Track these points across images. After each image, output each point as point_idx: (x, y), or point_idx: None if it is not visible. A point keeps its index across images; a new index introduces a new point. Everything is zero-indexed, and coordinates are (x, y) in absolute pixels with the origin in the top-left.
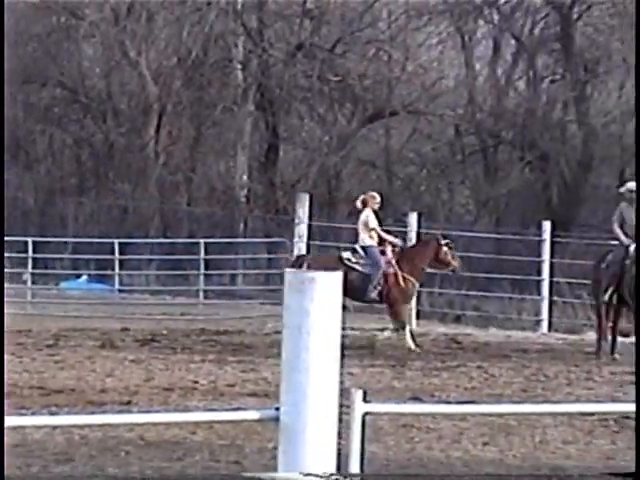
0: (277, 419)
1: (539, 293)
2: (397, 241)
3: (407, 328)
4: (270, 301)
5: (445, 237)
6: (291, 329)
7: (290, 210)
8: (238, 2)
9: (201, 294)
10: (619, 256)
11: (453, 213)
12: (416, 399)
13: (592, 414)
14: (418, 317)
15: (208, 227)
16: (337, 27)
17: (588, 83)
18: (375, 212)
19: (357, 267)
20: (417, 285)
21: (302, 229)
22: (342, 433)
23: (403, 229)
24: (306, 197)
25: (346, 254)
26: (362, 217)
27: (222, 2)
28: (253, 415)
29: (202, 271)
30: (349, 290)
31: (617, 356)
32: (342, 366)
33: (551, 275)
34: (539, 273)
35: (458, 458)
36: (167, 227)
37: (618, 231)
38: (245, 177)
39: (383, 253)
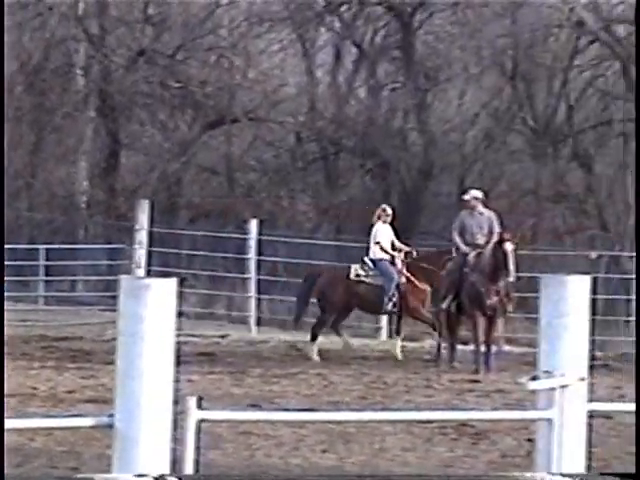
0: (112, 425)
1: None
2: (408, 249)
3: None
4: (110, 307)
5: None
6: (125, 335)
7: (131, 216)
8: (79, 7)
9: (41, 300)
10: (458, 264)
11: (294, 220)
12: (255, 406)
13: (431, 422)
14: (259, 324)
15: (48, 233)
16: (178, 33)
17: (429, 91)
18: (391, 224)
19: (368, 280)
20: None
21: (142, 235)
22: (180, 440)
23: (244, 236)
24: (146, 203)
25: (355, 268)
26: (373, 231)
27: (63, 7)
28: (88, 422)
29: (42, 277)
30: (364, 304)
31: (456, 364)
32: (181, 373)
33: None
34: None
35: (297, 465)
36: (7, 233)
37: (458, 239)
38: (86, 183)
39: (393, 264)
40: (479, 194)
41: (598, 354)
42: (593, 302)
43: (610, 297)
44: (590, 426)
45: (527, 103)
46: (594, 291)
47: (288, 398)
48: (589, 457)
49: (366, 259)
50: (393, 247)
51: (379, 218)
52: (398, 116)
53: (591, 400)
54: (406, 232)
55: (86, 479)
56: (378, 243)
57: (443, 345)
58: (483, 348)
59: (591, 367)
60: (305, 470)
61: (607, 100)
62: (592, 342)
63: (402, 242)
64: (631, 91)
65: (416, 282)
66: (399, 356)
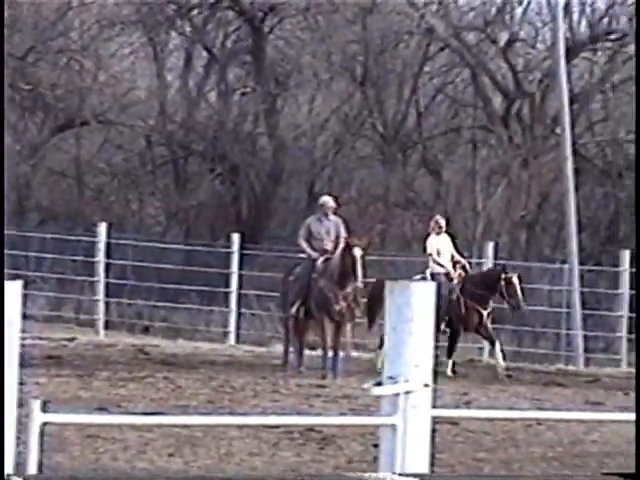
0: None
1: (227, 305)
2: (463, 262)
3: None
4: None
5: (509, 269)
6: None
7: None
8: None
9: None
10: (307, 269)
11: (143, 224)
12: (102, 409)
13: (278, 426)
14: (107, 327)
15: None
16: (29, 35)
17: (279, 96)
18: (450, 235)
19: None
20: (483, 311)
21: None
22: (24, 443)
23: (92, 239)
24: None
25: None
26: (426, 244)
27: None
28: None
29: None
30: None
31: (303, 369)
32: (28, 375)
33: (240, 287)
34: (228, 285)
35: (143, 469)
36: None
37: (305, 245)
38: None
39: (449, 279)
40: (332, 202)
41: (444, 360)
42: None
43: None
44: (435, 432)
45: (377, 109)
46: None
47: (135, 402)
48: (433, 462)
49: (427, 274)
50: (452, 259)
51: (433, 230)
52: (248, 120)
53: (437, 406)
54: (255, 237)
55: None
56: (430, 255)
57: (291, 350)
58: (331, 353)
59: (438, 373)
60: (151, 474)
61: (456, 107)
62: (438, 348)
63: (459, 254)
64: (480, 98)
65: (467, 302)
66: (449, 373)
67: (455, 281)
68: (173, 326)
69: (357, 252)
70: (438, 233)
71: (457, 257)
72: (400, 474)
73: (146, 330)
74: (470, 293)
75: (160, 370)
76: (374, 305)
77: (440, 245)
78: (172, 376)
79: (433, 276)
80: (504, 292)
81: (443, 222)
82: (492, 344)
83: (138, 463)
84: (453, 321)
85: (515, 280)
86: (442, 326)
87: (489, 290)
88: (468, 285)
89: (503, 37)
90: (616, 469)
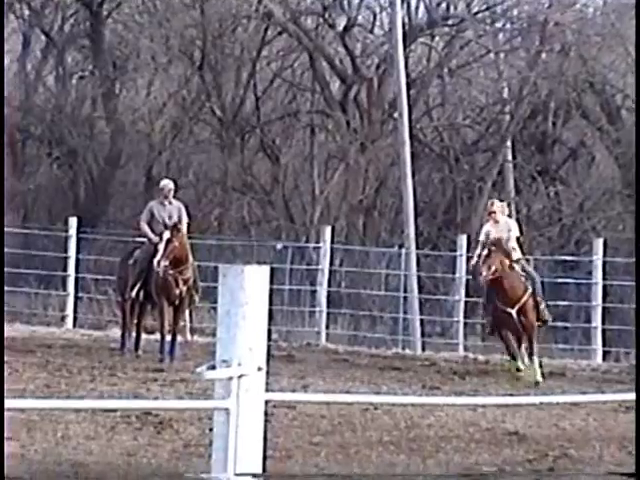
0: None
1: (65, 289)
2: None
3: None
4: None
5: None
6: None
7: None
8: None
9: None
10: (146, 253)
11: None
12: None
13: (114, 410)
14: None
15: None
16: None
17: (117, 80)
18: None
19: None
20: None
21: None
22: None
23: None
24: None
25: None
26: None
27: None
28: None
29: None
30: None
31: (141, 353)
32: None
33: (77, 271)
34: (65, 269)
35: None
36: None
37: (146, 229)
38: None
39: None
40: (171, 185)
41: (282, 344)
42: (275, 292)
43: (295, 288)
44: (272, 415)
45: (215, 93)
46: (279, 282)
47: None
48: (268, 446)
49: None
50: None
51: (486, 219)
52: (86, 104)
53: (274, 390)
54: (92, 220)
55: None
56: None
57: (128, 334)
58: (168, 337)
59: (275, 357)
60: None
61: (294, 91)
62: (276, 332)
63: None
64: (318, 82)
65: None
66: (539, 378)
67: (483, 274)
68: (10, 310)
69: (165, 234)
70: (496, 221)
71: (508, 247)
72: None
73: None
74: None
75: None
76: None
77: (493, 232)
78: (9, 360)
79: (474, 268)
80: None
81: (495, 206)
82: (529, 355)
83: None
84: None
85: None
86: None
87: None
88: (495, 286)
89: (341, 22)
90: (452, 453)
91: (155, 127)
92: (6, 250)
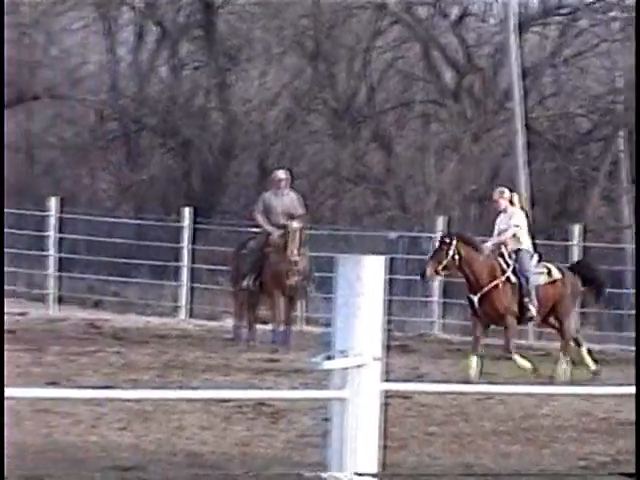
0: None
1: (178, 279)
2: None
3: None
4: None
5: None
6: None
7: None
8: None
9: None
10: (260, 243)
11: (94, 198)
12: (53, 384)
13: (229, 401)
14: (58, 302)
15: None
16: None
17: (230, 71)
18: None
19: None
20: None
21: None
22: None
23: (44, 214)
24: None
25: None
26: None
27: None
28: None
29: None
30: None
31: (255, 343)
32: None
33: (191, 261)
34: (179, 259)
35: (95, 443)
36: None
37: (261, 219)
38: None
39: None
40: (284, 175)
41: (396, 334)
42: (392, 283)
43: (409, 278)
44: (387, 406)
45: (328, 84)
46: (393, 272)
47: (86, 376)
48: (385, 436)
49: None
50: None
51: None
52: (200, 95)
53: (389, 380)
54: (206, 211)
55: None
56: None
57: (242, 324)
58: (282, 328)
59: (389, 347)
60: (103, 448)
61: (407, 81)
62: (390, 322)
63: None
64: (431, 72)
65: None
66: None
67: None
68: (124, 300)
69: (294, 225)
70: (504, 209)
71: (499, 239)
72: (359, 474)
73: (97, 304)
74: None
75: (111, 344)
76: None
77: (502, 224)
78: (123, 350)
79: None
80: None
81: (496, 195)
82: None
83: (90, 437)
84: None
85: None
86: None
87: None
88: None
89: (454, 11)
90: (567, 443)
91: (268, 117)
92: (120, 240)
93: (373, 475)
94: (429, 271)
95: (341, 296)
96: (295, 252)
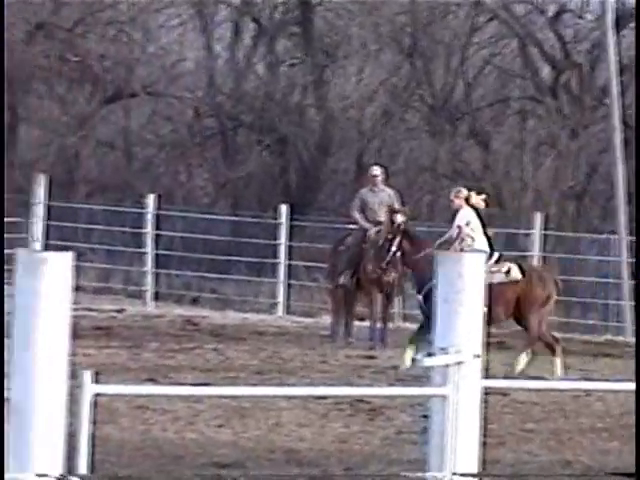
0: (6, 399)
1: (276, 276)
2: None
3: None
4: (6, 281)
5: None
6: (22, 309)
7: (28, 190)
8: None
9: None
10: (358, 240)
11: (191, 195)
12: (151, 380)
13: (326, 397)
14: (155, 299)
15: None
16: (78, 7)
17: (327, 67)
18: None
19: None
20: None
21: (40, 209)
22: (75, 414)
23: (141, 210)
24: (44, 177)
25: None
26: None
27: None
28: None
29: None
30: None
31: (352, 340)
32: (78, 347)
33: (288, 258)
34: (276, 256)
35: (192, 440)
36: None
37: (357, 215)
38: None
39: None
40: (378, 171)
41: (494, 331)
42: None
43: None
44: (485, 403)
45: (425, 80)
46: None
47: (184, 373)
48: (484, 434)
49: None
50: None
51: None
52: (296, 92)
53: (486, 377)
54: (303, 208)
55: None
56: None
57: (339, 321)
58: (379, 324)
59: (487, 344)
60: (200, 445)
61: (505, 78)
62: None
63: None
64: (529, 69)
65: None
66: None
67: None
68: (222, 297)
69: (399, 218)
70: (458, 209)
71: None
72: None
73: (195, 301)
74: None
75: (209, 341)
76: None
77: (457, 222)
78: (221, 347)
79: None
80: None
81: (452, 194)
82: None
83: (187, 434)
84: None
85: None
86: None
87: None
88: None
89: (551, 8)
90: None
91: (365, 114)
92: (217, 237)
93: (474, 475)
94: (369, 268)
95: (441, 293)
96: (395, 246)
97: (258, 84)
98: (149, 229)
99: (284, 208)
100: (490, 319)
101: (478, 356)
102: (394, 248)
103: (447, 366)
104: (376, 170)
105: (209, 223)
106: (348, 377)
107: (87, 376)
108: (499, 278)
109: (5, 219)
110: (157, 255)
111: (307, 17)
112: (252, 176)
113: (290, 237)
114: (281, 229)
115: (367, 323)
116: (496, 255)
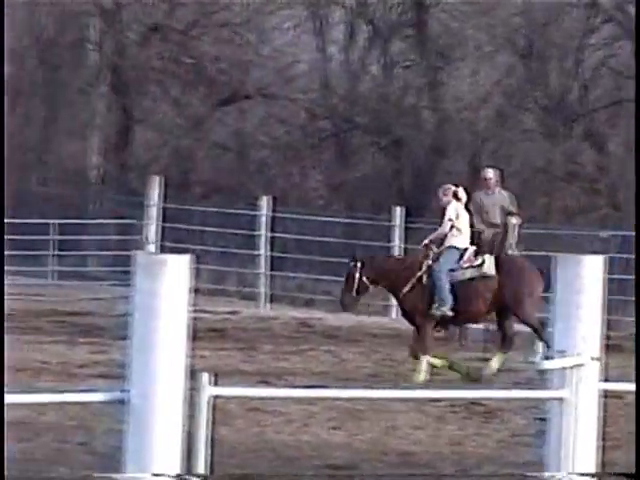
0: (124, 401)
1: None
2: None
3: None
4: (120, 283)
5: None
6: (141, 311)
7: (142, 192)
8: None
9: (52, 275)
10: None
11: (305, 197)
12: (265, 382)
13: (441, 400)
14: (269, 301)
15: (60, 208)
16: (192, 9)
17: (441, 69)
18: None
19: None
20: None
21: (154, 211)
22: (192, 416)
23: (255, 213)
24: (158, 179)
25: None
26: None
27: None
28: (101, 397)
29: (53, 252)
30: None
31: (466, 342)
32: (193, 349)
33: None
34: None
35: (307, 442)
36: (18, 207)
37: (474, 218)
38: (98, 158)
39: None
40: (490, 174)
41: (610, 334)
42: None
43: (621, 277)
44: (603, 406)
45: (540, 82)
46: (606, 271)
47: (298, 375)
48: (602, 437)
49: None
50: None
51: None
52: (411, 94)
53: (604, 380)
54: (417, 210)
55: (104, 478)
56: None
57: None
58: (494, 326)
59: (606, 347)
60: (314, 447)
61: (620, 79)
62: (604, 322)
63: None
64: None
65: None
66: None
67: None
68: (335, 299)
69: (514, 220)
70: (446, 205)
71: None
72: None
73: (308, 303)
74: None
75: (323, 343)
76: None
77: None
78: (335, 349)
79: None
80: None
81: (440, 192)
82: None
83: (302, 436)
84: None
85: None
86: None
87: None
88: None
89: None
90: None
91: (480, 116)
92: (331, 239)
93: (593, 475)
94: (347, 300)
95: (560, 295)
96: (513, 247)
97: (372, 86)
98: (263, 231)
99: (398, 210)
100: (471, 316)
101: (597, 359)
102: (357, 275)
103: (564, 369)
104: (489, 173)
105: (323, 225)
106: (462, 379)
107: (205, 378)
108: (470, 274)
109: (119, 220)
110: (271, 257)
111: (422, 19)
112: (366, 178)
113: (406, 239)
114: (395, 231)
115: (481, 325)
116: (472, 249)
